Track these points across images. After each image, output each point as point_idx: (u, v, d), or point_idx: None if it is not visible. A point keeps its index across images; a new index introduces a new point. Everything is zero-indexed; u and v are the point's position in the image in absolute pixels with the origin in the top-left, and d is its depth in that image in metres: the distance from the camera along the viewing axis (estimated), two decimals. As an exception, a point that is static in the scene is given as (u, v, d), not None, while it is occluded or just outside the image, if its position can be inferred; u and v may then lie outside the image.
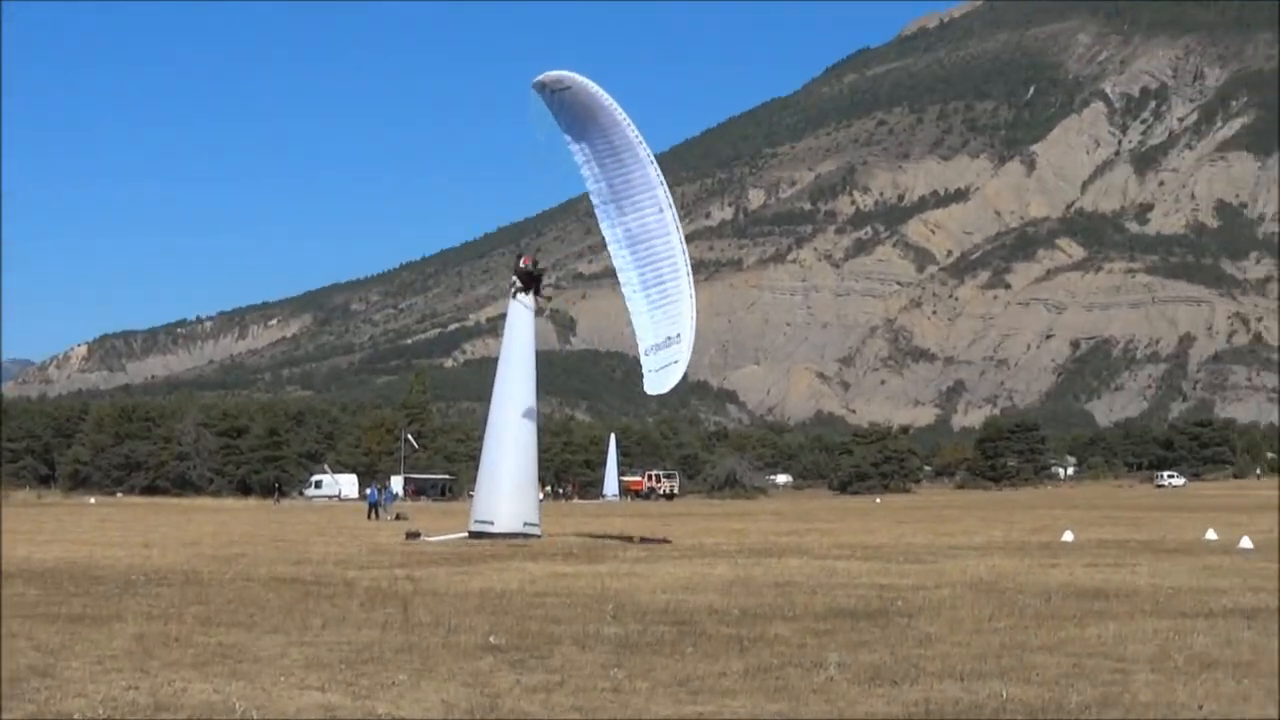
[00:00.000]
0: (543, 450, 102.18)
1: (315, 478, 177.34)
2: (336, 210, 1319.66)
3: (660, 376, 52.36)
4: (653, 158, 52.94)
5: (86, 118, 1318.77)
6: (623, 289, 53.17)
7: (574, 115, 52.47)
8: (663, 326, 52.02)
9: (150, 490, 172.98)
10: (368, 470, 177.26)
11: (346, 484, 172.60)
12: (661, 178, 53.16)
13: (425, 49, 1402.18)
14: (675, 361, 52.06)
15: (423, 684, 18.81)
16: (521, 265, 58.51)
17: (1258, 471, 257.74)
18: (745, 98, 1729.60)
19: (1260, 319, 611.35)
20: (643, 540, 57.86)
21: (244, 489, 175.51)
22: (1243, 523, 71.27)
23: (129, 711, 16.96)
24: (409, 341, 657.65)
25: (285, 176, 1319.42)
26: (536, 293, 58.22)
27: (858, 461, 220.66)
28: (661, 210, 52.39)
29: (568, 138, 53.13)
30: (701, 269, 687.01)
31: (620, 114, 52.27)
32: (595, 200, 53.51)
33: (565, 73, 52.50)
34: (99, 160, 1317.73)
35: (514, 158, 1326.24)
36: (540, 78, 52.51)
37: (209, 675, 19.54)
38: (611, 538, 61.31)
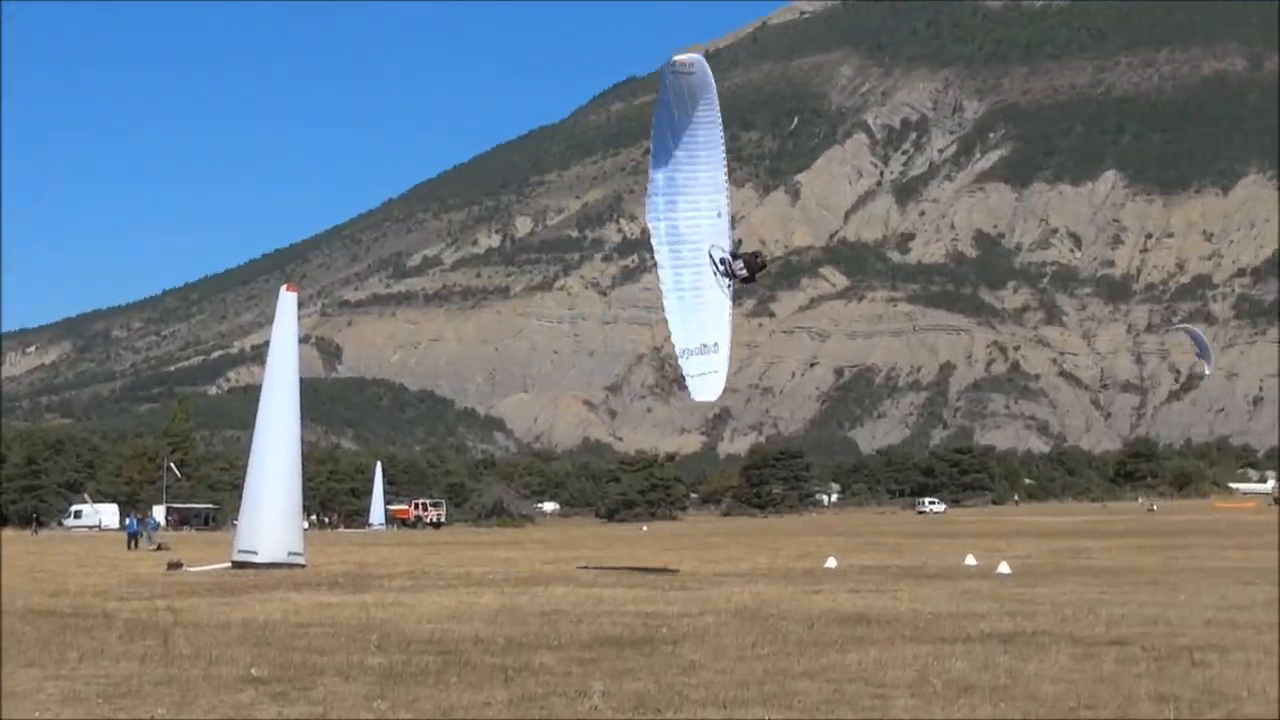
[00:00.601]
0: (308, 479, 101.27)
1: (75, 507, 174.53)
2: (97, 235, 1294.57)
3: (700, 383, 51.58)
4: (725, 162, 51.40)
5: None
6: (660, 285, 51.71)
7: (676, 99, 50.44)
8: (695, 333, 50.66)
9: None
10: (129, 500, 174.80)
11: (107, 514, 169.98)
12: (726, 183, 51.88)
13: (184, 65, 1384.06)
14: (715, 371, 51.01)
15: (182, 717, 18.53)
16: (758, 259, 53.64)
17: (1015, 498, 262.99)
18: (513, 125, 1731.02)
19: (1018, 348, 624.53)
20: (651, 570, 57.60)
21: (0, 519, 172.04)
22: (1001, 548, 72.65)
23: (-124, 750, 16.54)
24: (172, 369, 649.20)
25: (42, 196, 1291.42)
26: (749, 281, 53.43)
27: (625, 489, 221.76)
28: (720, 215, 51.01)
29: (656, 119, 51.21)
30: (469, 296, 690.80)
31: (717, 110, 50.78)
32: (650, 189, 51.34)
33: (697, 57, 50.59)
34: None
35: (278, 183, 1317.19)
36: (675, 57, 50.54)
37: (-40, 712, 19.09)
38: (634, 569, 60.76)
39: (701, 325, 50.40)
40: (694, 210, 49.82)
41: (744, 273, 50.51)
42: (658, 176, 50.12)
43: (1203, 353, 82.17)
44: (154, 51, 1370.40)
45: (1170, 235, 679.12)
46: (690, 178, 49.73)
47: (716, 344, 50.66)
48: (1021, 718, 18.33)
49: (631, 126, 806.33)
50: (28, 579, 51.55)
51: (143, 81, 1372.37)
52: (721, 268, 50.65)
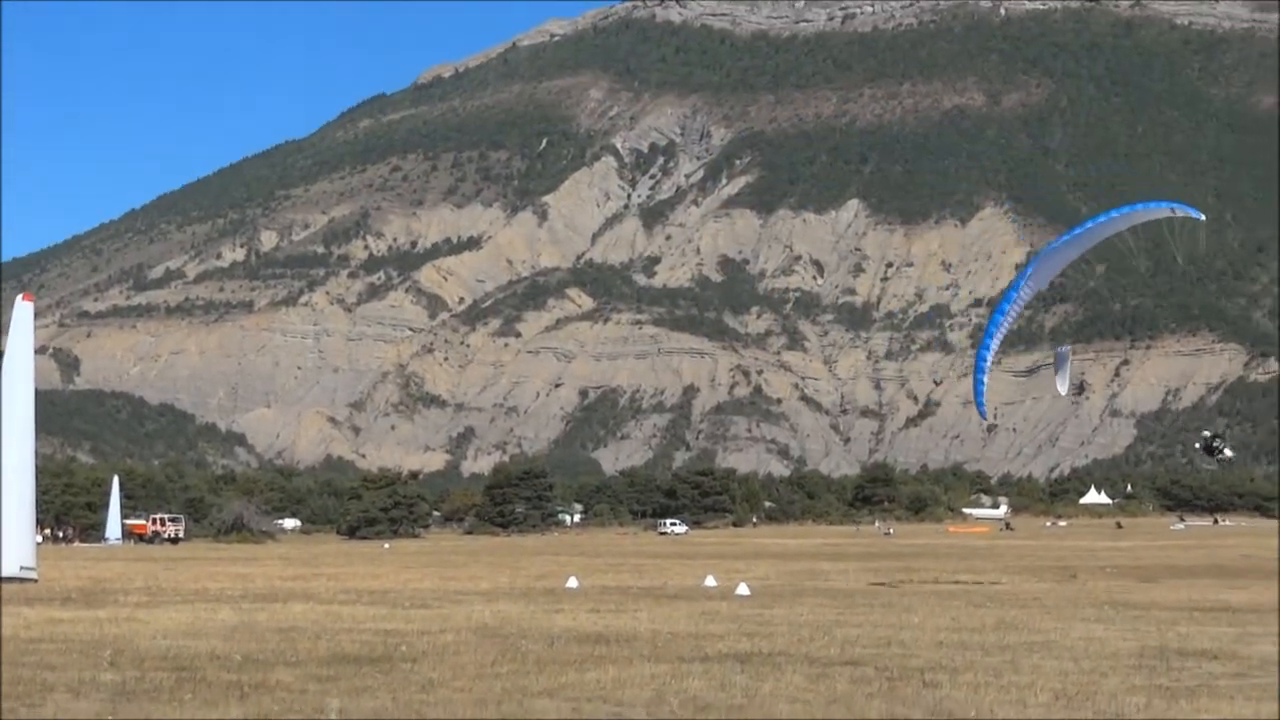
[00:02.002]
0: (42, 492, 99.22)
1: None
2: None
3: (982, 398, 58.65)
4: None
5: None
6: (1006, 300, 57.43)
7: (1127, 220, 55.53)
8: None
9: None
10: None
11: None
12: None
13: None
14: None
15: (-94, 734, 18.13)
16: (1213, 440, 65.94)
17: (754, 520, 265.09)
18: (259, 138, 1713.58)
19: (760, 371, 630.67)
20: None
21: None
22: (740, 569, 73.36)
23: None
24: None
25: None
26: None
27: (367, 507, 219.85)
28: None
29: (1125, 213, 55.73)
30: (211, 310, 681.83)
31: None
32: (1060, 237, 58.32)
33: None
34: None
35: (16, 190, 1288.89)
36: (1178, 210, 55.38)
37: None
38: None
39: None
40: (1049, 271, 58.23)
41: (1229, 457, 60.32)
42: (1067, 239, 56.83)
43: (1061, 374, 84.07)
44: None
45: (910, 265, 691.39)
46: (1062, 255, 57.42)
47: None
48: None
49: (379, 144, 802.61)
50: None
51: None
52: (1210, 443, 63.56)
